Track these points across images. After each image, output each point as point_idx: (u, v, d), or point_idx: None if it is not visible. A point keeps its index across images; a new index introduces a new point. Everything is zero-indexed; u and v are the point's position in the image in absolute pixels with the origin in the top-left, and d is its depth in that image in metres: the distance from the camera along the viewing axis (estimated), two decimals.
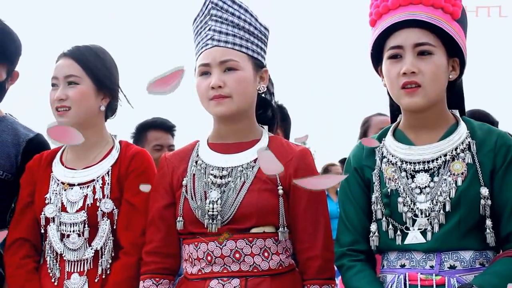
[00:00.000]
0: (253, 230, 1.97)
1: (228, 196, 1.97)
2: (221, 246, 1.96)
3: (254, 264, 1.96)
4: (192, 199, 2.01)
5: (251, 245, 1.96)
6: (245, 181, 1.99)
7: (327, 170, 7.79)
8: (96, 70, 2.22)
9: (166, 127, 3.67)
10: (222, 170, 2.01)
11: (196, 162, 2.06)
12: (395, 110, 2.04)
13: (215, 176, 2.01)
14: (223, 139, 2.07)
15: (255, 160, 2.01)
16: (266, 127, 2.13)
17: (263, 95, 2.14)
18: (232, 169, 2.01)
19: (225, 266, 1.96)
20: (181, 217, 2.01)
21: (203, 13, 2.08)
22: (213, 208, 1.96)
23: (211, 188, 2.00)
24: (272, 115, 2.17)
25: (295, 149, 2.04)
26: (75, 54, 2.23)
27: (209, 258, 1.97)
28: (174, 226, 2.04)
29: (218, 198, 1.97)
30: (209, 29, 2.04)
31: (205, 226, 1.97)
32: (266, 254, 1.97)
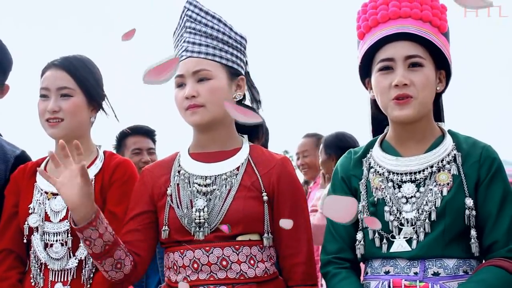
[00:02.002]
0: (239, 238, 2.11)
1: (214, 204, 2.12)
2: (208, 254, 2.09)
3: (241, 272, 2.09)
4: (178, 207, 2.15)
5: (237, 252, 2.09)
6: (231, 188, 2.13)
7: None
8: (88, 83, 2.35)
9: (143, 131, 3.87)
10: (206, 179, 2.16)
11: (179, 171, 2.21)
12: (378, 122, 2.21)
13: (199, 185, 2.16)
14: (203, 148, 2.23)
15: (238, 168, 2.17)
16: (246, 136, 2.27)
17: (247, 102, 2.30)
18: (215, 178, 2.16)
19: (211, 273, 2.09)
20: (166, 226, 2.15)
21: (180, 26, 2.25)
22: (199, 216, 2.11)
23: (196, 197, 2.14)
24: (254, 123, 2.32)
25: (276, 157, 2.21)
26: (67, 65, 2.35)
27: (195, 265, 2.10)
28: (149, 233, 2.18)
29: (204, 206, 2.12)
30: (184, 41, 2.21)
31: (192, 234, 2.11)
32: (252, 261, 2.11)
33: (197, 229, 2.10)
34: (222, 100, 2.11)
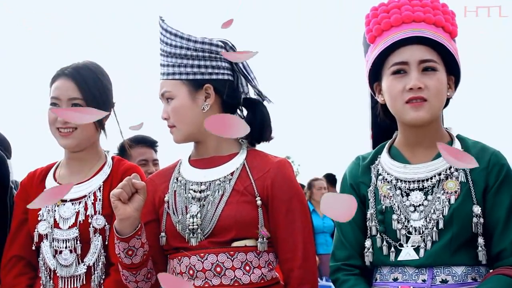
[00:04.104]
0: (234, 244, 2.16)
1: (207, 210, 2.18)
2: (202, 260, 2.14)
3: (235, 278, 2.14)
4: (174, 214, 2.22)
5: (232, 258, 2.15)
6: (223, 194, 2.19)
7: (310, 185, 8.13)
8: (95, 98, 2.40)
9: (148, 143, 3.96)
10: (201, 185, 2.22)
11: (177, 179, 2.28)
12: (380, 127, 2.26)
13: (194, 191, 2.22)
14: (201, 155, 2.29)
15: (232, 173, 2.22)
16: (245, 141, 2.32)
17: (254, 96, 2.32)
18: (210, 183, 2.22)
19: (206, 280, 2.14)
20: (163, 233, 2.22)
21: None
22: (193, 222, 2.16)
23: (191, 203, 2.20)
24: (253, 118, 2.31)
25: (273, 160, 2.25)
26: (76, 77, 2.40)
27: (191, 272, 2.15)
28: (155, 242, 2.24)
29: (197, 212, 2.18)
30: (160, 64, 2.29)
31: (186, 240, 2.17)
32: (247, 267, 2.15)
33: (191, 235, 2.15)
34: (187, 117, 2.21)
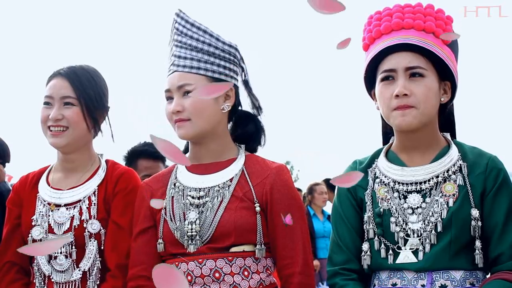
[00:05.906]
0: (233, 249, 2.16)
1: (206, 216, 2.18)
2: (201, 266, 2.15)
3: (234, 284, 2.14)
4: (171, 220, 2.21)
5: (230, 264, 2.15)
6: (222, 200, 2.19)
7: (311, 190, 8.15)
8: (89, 97, 2.40)
9: (156, 157, 3.89)
10: (199, 191, 2.22)
11: (175, 184, 2.28)
12: (387, 133, 2.28)
13: (192, 197, 2.22)
14: (199, 160, 2.29)
15: (231, 179, 2.22)
16: (243, 146, 2.33)
17: (248, 109, 2.35)
18: (209, 189, 2.22)
19: (205, 286, 2.14)
20: (161, 239, 2.22)
21: (171, 38, 2.32)
22: (191, 229, 2.17)
23: (189, 209, 2.20)
24: (255, 129, 2.36)
25: (271, 166, 2.26)
26: (70, 75, 2.40)
27: (189, 278, 2.15)
28: (154, 249, 2.23)
29: (196, 219, 2.18)
30: (172, 55, 2.28)
31: (185, 247, 2.17)
32: (246, 273, 2.16)
33: (189, 242, 2.16)
34: (207, 113, 2.20)
